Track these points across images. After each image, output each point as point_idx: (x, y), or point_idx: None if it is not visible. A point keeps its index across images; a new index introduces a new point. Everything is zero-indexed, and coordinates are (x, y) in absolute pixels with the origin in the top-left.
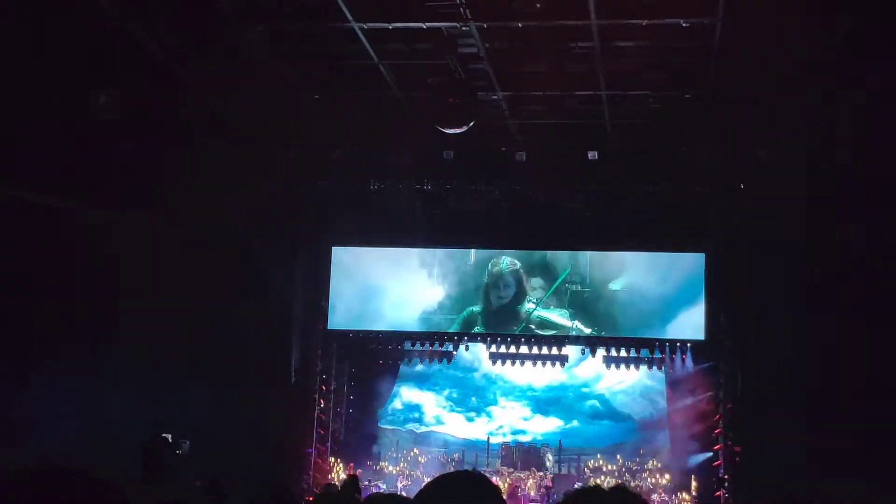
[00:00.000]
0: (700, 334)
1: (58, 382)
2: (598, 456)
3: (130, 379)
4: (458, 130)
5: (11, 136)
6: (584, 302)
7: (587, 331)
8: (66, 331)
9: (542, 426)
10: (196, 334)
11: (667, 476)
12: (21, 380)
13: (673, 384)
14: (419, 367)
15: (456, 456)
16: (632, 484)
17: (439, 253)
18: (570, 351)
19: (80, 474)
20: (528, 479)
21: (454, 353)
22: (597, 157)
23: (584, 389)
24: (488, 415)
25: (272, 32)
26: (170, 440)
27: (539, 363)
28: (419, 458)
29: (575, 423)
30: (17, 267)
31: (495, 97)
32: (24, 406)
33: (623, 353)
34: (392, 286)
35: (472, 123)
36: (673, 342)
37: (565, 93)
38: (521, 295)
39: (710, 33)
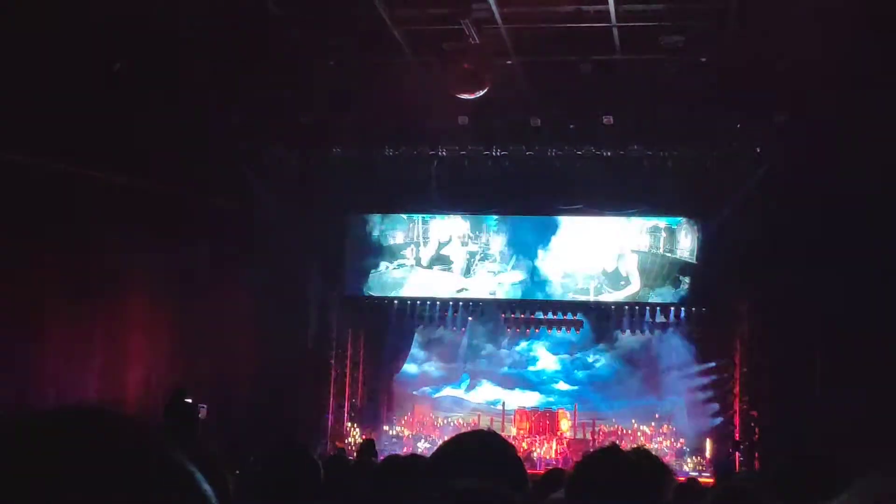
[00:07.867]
0: (716, 299)
1: (74, 347)
2: (614, 420)
3: (148, 344)
4: (472, 96)
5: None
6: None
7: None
8: (80, 295)
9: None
10: (213, 301)
11: (682, 440)
12: (36, 342)
13: (689, 348)
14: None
15: (472, 420)
16: (647, 447)
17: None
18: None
19: (117, 414)
20: (543, 442)
21: (470, 318)
22: (612, 122)
23: (596, 355)
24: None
25: None
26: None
27: (554, 328)
28: (435, 423)
29: (590, 387)
30: (28, 231)
31: (510, 62)
32: (40, 370)
33: (638, 316)
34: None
35: (486, 89)
36: (689, 306)
37: (580, 57)
38: None
39: None
